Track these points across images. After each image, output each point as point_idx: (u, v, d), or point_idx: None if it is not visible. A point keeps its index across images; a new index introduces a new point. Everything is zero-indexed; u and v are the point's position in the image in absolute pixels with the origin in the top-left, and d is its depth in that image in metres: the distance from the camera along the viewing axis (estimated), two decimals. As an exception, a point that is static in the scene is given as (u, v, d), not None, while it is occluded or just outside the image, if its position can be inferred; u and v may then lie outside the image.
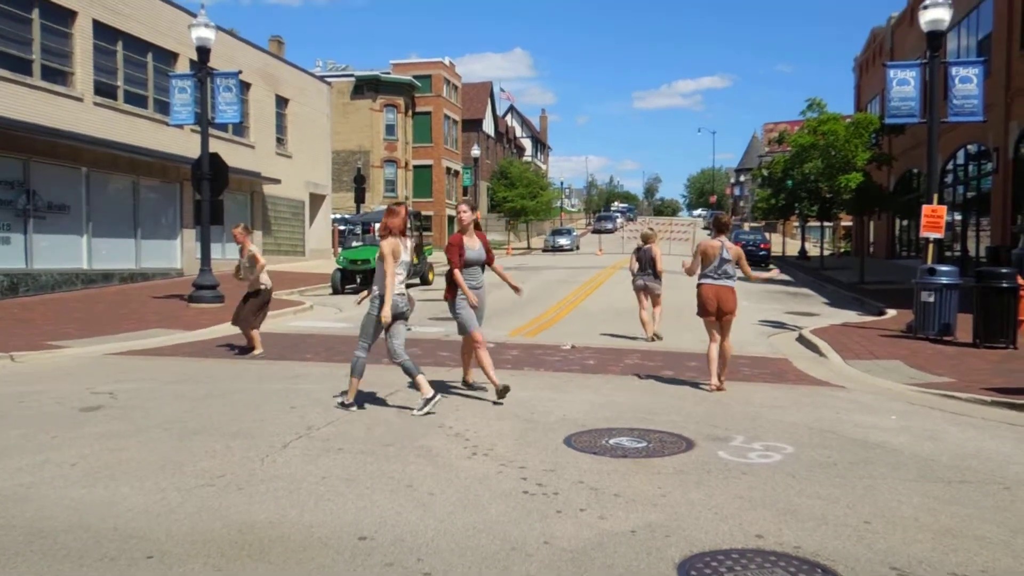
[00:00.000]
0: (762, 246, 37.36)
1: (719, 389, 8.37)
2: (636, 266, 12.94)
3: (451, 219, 55.44)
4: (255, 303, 10.74)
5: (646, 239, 13.13)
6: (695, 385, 8.72)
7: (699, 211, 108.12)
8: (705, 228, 68.48)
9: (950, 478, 5.28)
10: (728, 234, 8.59)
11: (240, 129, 26.64)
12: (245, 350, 10.70)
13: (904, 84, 13.33)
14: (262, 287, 10.77)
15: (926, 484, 5.12)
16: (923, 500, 4.78)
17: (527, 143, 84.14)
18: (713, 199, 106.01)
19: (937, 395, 8.11)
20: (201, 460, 5.43)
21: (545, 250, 49.36)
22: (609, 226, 68.20)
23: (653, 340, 12.46)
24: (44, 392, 7.79)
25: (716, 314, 8.40)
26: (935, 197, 12.99)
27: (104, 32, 20.60)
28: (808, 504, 4.67)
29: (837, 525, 4.32)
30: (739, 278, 8.53)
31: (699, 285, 8.45)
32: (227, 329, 13.05)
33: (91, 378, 8.63)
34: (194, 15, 18.64)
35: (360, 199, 39.07)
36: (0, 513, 4.38)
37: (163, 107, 21.39)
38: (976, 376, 9.04)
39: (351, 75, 49.55)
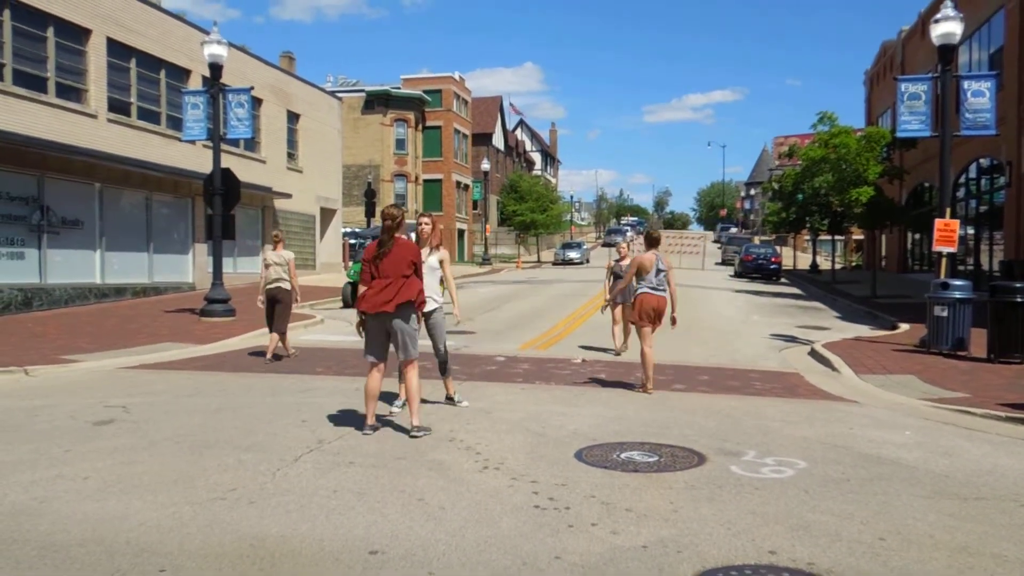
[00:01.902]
0: (773, 260, 37.18)
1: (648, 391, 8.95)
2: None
3: (461, 232, 55.59)
4: None
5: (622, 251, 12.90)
6: (710, 395, 8.69)
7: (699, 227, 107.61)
8: (716, 242, 68.49)
9: (966, 495, 5.23)
10: (659, 248, 9.31)
11: (251, 144, 26.83)
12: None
13: (915, 98, 13.32)
14: None
15: (941, 501, 5.08)
16: (938, 517, 4.73)
17: (537, 157, 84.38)
18: (723, 212, 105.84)
19: (951, 410, 8.05)
20: (213, 474, 5.44)
21: (555, 263, 49.38)
22: (619, 240, 68.13)
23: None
24: (57, 406, 7.83)
25: (653, 322, 8.98)
26: (948, 211, 12.94)
27: (118, 50, 20.82)
28: (821, 520, 4.64)
29: (851, 542, 4.28)
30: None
31: (640, 295, 8.99)
32: (239, 343, 13.13)
33: (104, 392, 8.67)
34: (207, 32, 18.84)
35: (371, 213, 39.21)
36: (14, 527, 4.40)
37: (176, 123, 21.58)
38: (991, 391, 8.97)
39: (362, 90, 49.91)
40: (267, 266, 11.34)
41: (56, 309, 17.70)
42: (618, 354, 12.20)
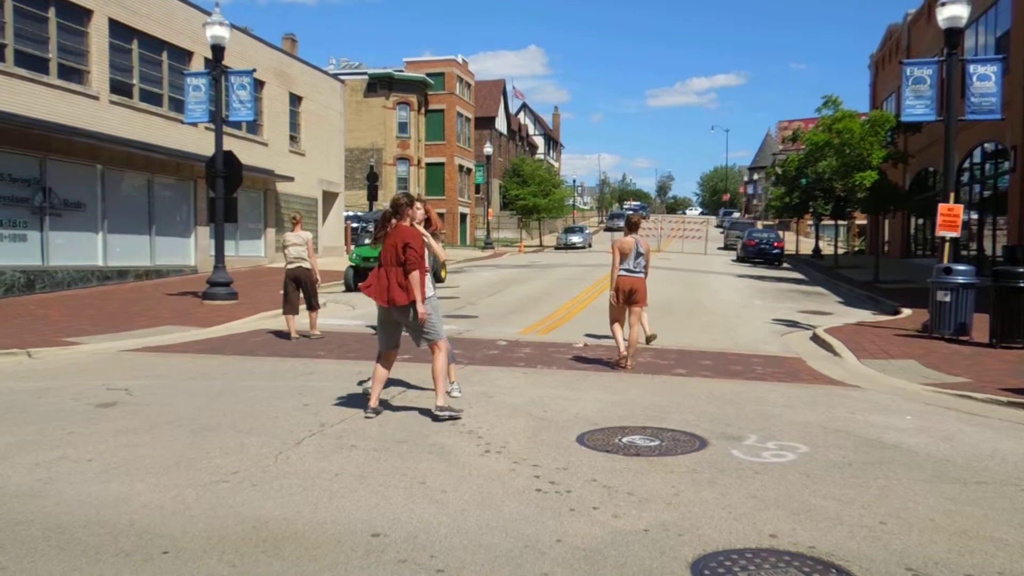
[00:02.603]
0: (776, 244, 37.11)
1: (625, 363, 9.41)
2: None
3: (463, 216, 55.50)
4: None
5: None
6: (707, 380, 8.70)
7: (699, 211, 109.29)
8: (719, 227, 68.34)
9: (966, 479, 5.24)
10: (639, 232, 9.78)
11: (254, 127, 26.73)
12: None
13: (921, 82, 13.23)
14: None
15: (942, 485, 5.09)
16: (939, 501, 4.74)
17: (540, 141, 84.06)
18: (726, 197, 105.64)
19: (953, 395, 8.05)
20: (215, 457, 5.46)
21: (558, 248, 49.25)
22: (622, 224, 67.88)
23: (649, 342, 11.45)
24: (60, 388, 7.85)
25: (628, 302, 9.52)
26: (951, 195, 12.89)
27: (120, 31, 20.72)
28: (823, 504, 4.65)
29: (852, 525, 4.30)
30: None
31: (619, 277, 9.52)
32: (241, 326, 13.15)
33: (107, 374, 8.70)
34: (209, 14, 18.73)
35: (373, 197, 39.22)
36: (18, 508, 4.42)
37: (178, 105, 21.52)
38: (992, 376, 8.97)
39: (364, 73, 49.66)
40: (286, 247, 11.83)
41: (59, 291, 17.73)
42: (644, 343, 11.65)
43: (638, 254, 9.52)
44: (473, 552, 3.88)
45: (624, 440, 6.06)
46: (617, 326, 9.64)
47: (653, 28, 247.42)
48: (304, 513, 4.38)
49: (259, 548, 3.91)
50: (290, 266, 11.66)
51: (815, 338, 12.63)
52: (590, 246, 49.54)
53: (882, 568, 3.73)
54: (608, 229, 66.88)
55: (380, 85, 48.99)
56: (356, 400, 7.33)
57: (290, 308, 11.65)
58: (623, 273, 9.52)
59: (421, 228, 7.44)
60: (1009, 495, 4.91)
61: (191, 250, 23.67)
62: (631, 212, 14.30)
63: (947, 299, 11.92)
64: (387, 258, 6.56)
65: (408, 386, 8.07)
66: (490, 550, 3.90)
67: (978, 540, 4.12)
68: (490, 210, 51.11)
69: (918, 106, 13.37)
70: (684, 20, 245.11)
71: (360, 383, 8.10)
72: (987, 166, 25.75)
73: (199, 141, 22.50)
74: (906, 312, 15.77)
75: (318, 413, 6.83)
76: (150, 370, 9.08)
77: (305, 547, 3.93)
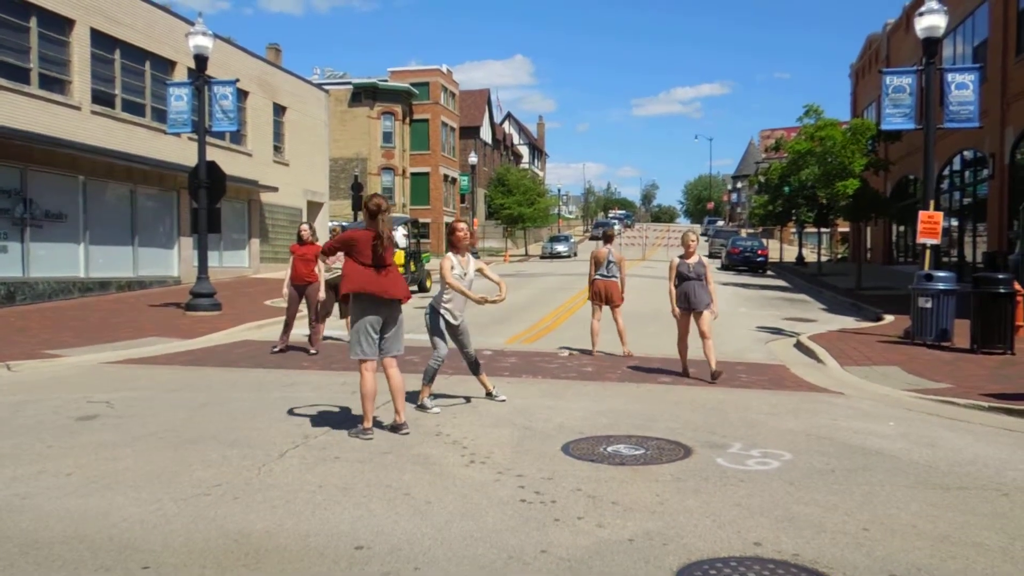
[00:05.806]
0: (760, 252, 37.34)
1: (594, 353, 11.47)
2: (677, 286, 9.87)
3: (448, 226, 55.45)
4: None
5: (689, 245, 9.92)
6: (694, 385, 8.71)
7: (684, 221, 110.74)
8: (703, 235, 68.66)
9: (948, 484, 5.27)
10: (613, 244, 11.80)
11: (237, 137, 26.63)
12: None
13: (900, 91, 13.37)
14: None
15: (924, 491, 5.12)
16: (921, 507, 4.77)
17: (524, 150, 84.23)
18: (711, 206, 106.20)
19: (935, 401, 8.11)
20: (197, 469, 5.41)
21: (543, 257, 49.34)
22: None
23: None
24: (40, 401, 7.76)
25: (605, 302, 11.58)
26: (932, 203, 13.02)
27: (102, 41, 20.61)
28: (806, 511, 4.66)
29: (835, 532, 4.31)
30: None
31: (593, 281, 11.65)
32: (225, 337, 13.06)
33: (88, 387, 8.60)
34: (192, 23, 18.67)
35: (357, 207, 39.03)
36: (-5, 523, 4.36)
37: (161, 115, 21.39)
38: (974, 382, 9.04)
39: (349, 83, 49.65)
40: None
41: (39, 303, 17.54)
42: (686, 373, 9.82)
43: (610, 262, 11.50)
44: (457, 564, 3.86)
45: (609, 449, 6.06)
46: (595, 322, 11.64)
47: (639, 38, 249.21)
48: (287, 526, 4.35)
49: (241, 562, 3.87)
50: None
51: (799, 345, 12.69)
52: (575, 255, 49.61)
53: (865, 574, 3.75)
54: (593, 238, 67.09)
55: (364, 95, 48.98)
56: (340, 412, 7.30)
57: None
58: (598, 277, 11.58)
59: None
60: (990, 500, 4.94)
61: (174, 261, 23.51)
62: (607, 227, 15.46)
63: (928, 305, 12.01)
64: (391, 259, 6.55)
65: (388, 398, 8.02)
66: (474, 561, 3.88)
67: (960, 546, 4.14)
68: (475, 219, 51.14)
69: (897, 115, 13.51)
70: (670, 30, 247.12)
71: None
72: (966, 174, 26.05)
73: (182, 151, 22.38)
74: (888, 319, 15.89)
75: (301, 425, 6.79)
76: (132, 382, 8.99)
77: (288, 560, 3.90)
